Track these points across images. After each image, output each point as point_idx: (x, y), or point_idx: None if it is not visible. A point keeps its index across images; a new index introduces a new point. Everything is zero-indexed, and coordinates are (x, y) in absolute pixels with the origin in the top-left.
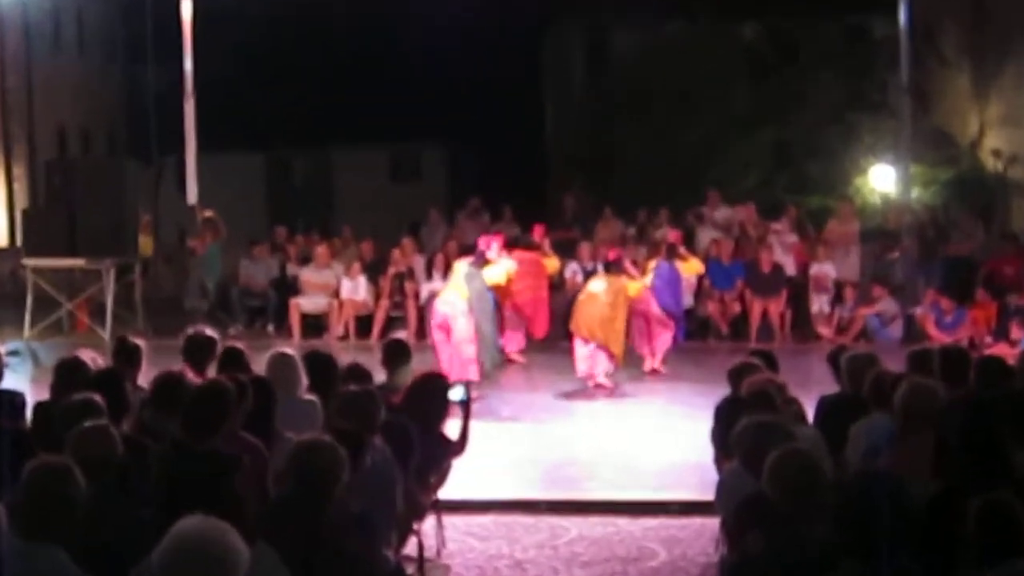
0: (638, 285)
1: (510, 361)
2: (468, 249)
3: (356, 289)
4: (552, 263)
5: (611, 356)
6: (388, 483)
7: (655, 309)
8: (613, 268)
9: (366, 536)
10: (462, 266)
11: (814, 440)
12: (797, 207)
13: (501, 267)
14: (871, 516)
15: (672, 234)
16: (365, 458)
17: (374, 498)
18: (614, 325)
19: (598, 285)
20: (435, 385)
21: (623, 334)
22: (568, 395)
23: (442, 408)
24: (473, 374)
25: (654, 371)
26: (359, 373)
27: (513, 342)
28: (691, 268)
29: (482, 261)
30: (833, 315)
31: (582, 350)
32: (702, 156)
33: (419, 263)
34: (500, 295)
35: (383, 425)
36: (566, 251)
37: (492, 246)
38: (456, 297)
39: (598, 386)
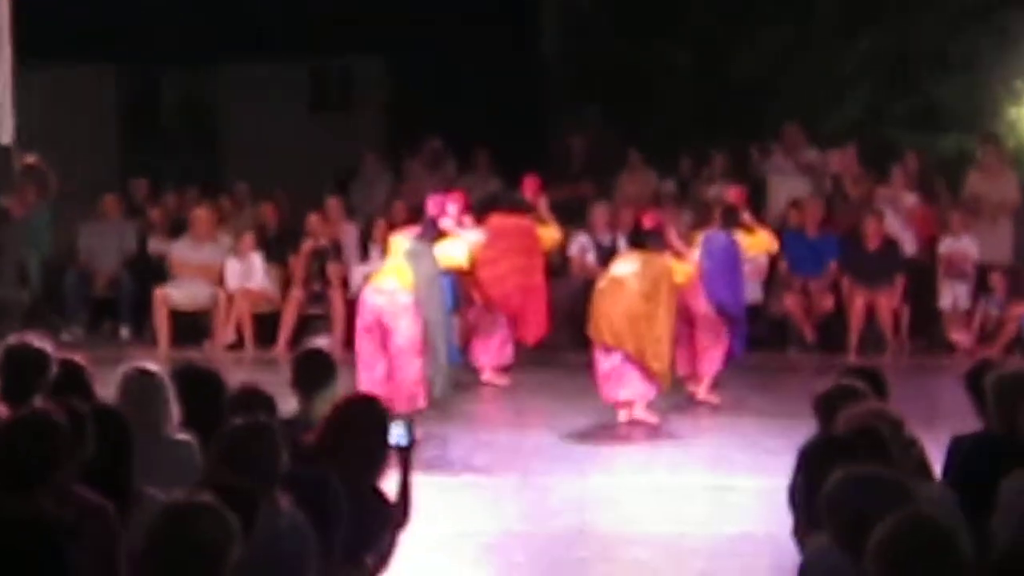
0: (688, 268)
1: (485, 384)
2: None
3: (251, 273)
4: (551, 234)
5: (649, 375)
6: (298, 565)
7: (702, 306)
8: (650, 241)
9: None
10: (403, 240)
11: (944, 502)
12: (920, 152)
13: (462, 241)
14: None
15: (731, 192)
16: (263, 527)
17: None
18: (652, 328)
19: (627, 267)
20: (368, 416)
21: (668, 341)
22: (578, 436)
23: (379, 451)
24: (419, 401)
25: (701, 401)
26: (256, 400)
27: (488, 354)
28: (759, 243)
29: (433, 232)
30: (974, 314)
31: (604, 364)
32: (773, 77)
33: (350, 235)
34: (463, 283)
35: (292, 478)
36: (573, 216)
37: (448, 209)
38: (395, 285)
39: (633, 423)
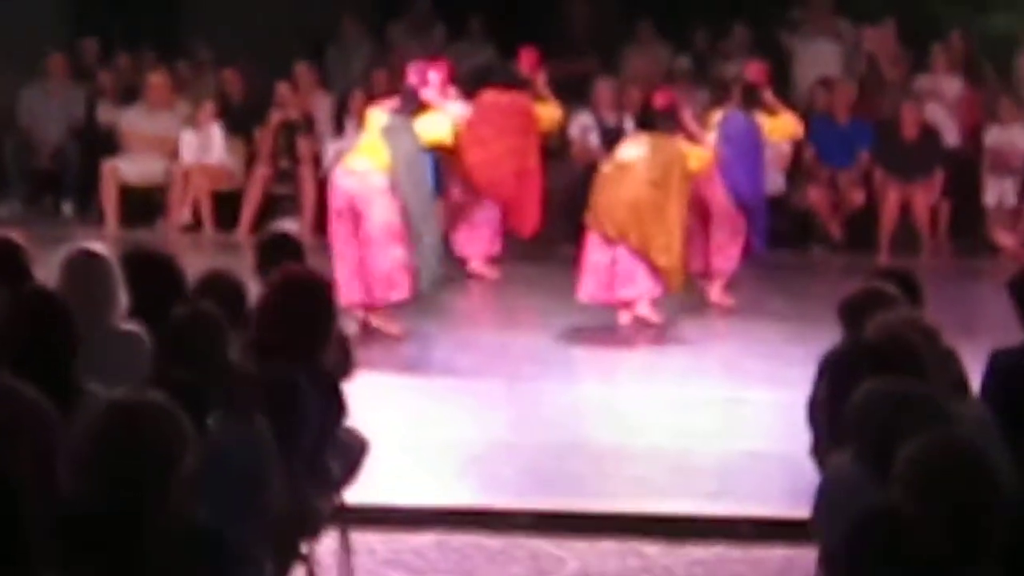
0: (703, 154)
1: (471, 276)
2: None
3: (210, 147)
4: (549, 112)
5: (655, 272)
6: (258, 475)
7: (719, 196)
8: (661, 123)
9: (217, 564)
10: (379, 115)
11: (982, 422)
12: (965, 32)
13: (445, 116)
14: None
15: (752, 69)
16: (216, 431)
17: (233, 500)
18: (661, 219)
19: (634, 151)
20: (313, 296)
21: (679, 235)
22: (574, 336)
23: (327, 339)
24: (400, 292)
25: (713, 303)
26: (221, 287)
27: (476, 244)
28: (782, 128)
29: (413, 105)
30: (1021, 213)
31: (601, 257)
32: None
33: (323, 107)
34: (448, 163)
35: (249, 376)
36: (574, 94)
37: (430, 78)
38: (368, 166)
39: (638, 321)
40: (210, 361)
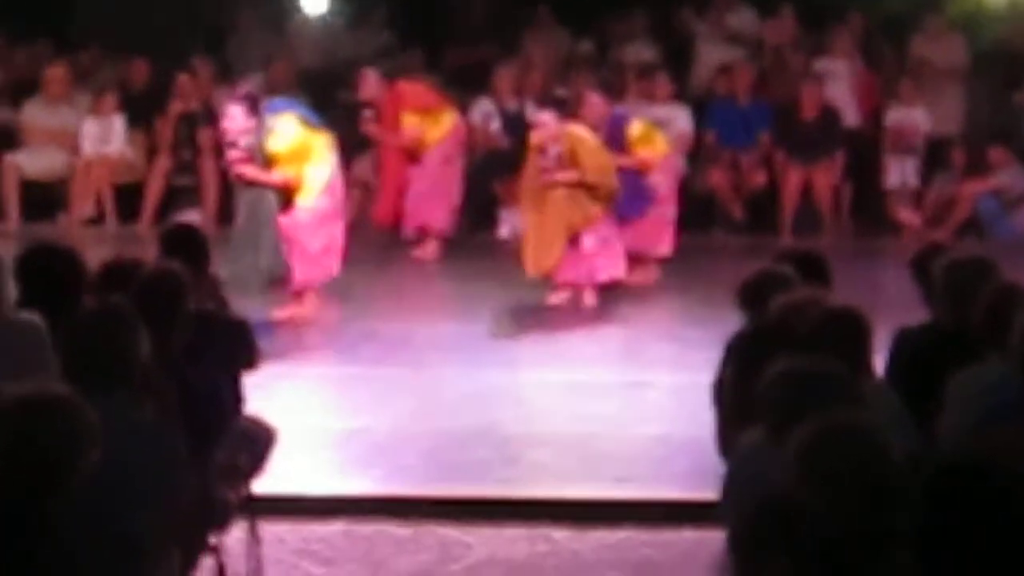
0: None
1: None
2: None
3: (110, 138)
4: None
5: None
6: (164, 465)
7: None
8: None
9: (123, 557)
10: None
11: (885, 400)
12: (864, 14)
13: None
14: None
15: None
16: (117, 428)
17: (138, 492)
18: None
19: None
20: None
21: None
22: (476, 325)
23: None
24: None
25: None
26: (123, 275)
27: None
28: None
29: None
30: (923, 193)
31: (590, 243)
32: None
33: (223, 97)
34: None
35: (160, 367)
36: (474, 80)
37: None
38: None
39: (544, 309)
40: (115, 353)
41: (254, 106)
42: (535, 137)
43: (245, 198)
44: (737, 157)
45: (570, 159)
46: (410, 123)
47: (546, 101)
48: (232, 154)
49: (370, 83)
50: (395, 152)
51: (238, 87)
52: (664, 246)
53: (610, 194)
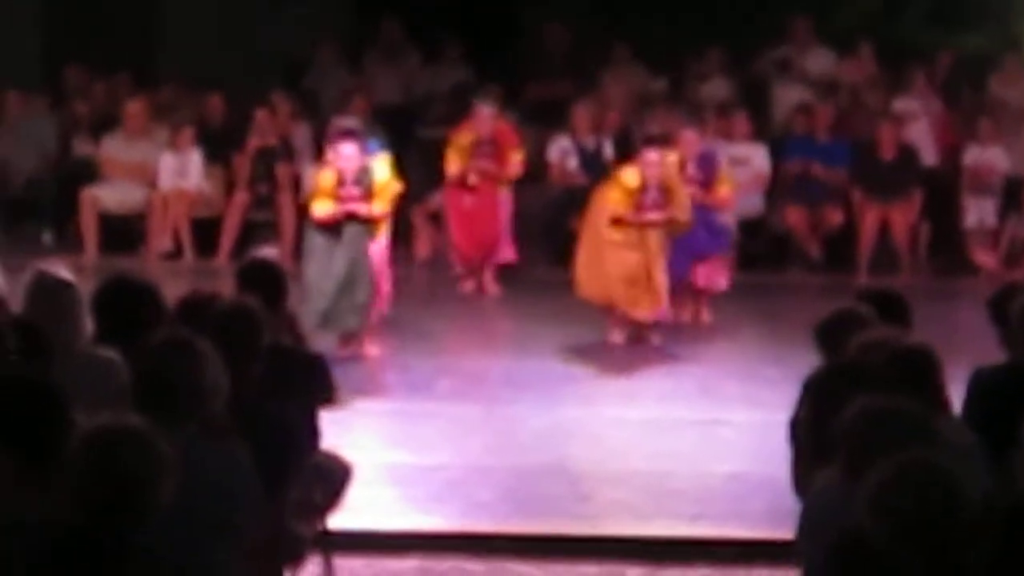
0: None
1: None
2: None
3: (187, 172)
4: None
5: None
6: (238, 498)
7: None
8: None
9: None
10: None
11: (961, 438)
12: (946, 53)
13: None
14: None
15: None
16: (190, 461)
17: (213, 525)
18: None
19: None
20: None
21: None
22: (552, 362)
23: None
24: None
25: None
26: (199, 310)
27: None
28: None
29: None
30: (1000, 233)
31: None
32: None
33: (301, 133)
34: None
35: (237, 401)
36: (552, 116)
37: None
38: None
39: (615, 347)
40: (185, 385)
41: (364, 143)
42: (642, 176)
43: (348, 235)
44: (814, 195)
45: (665, 196)
46: (515, 160)
47: (650, 139)
48: (351, 191)
49: (484, 118)
50: (463, 189)
51: (336, 123)
52: (725, 282)
53: (683, 232)
